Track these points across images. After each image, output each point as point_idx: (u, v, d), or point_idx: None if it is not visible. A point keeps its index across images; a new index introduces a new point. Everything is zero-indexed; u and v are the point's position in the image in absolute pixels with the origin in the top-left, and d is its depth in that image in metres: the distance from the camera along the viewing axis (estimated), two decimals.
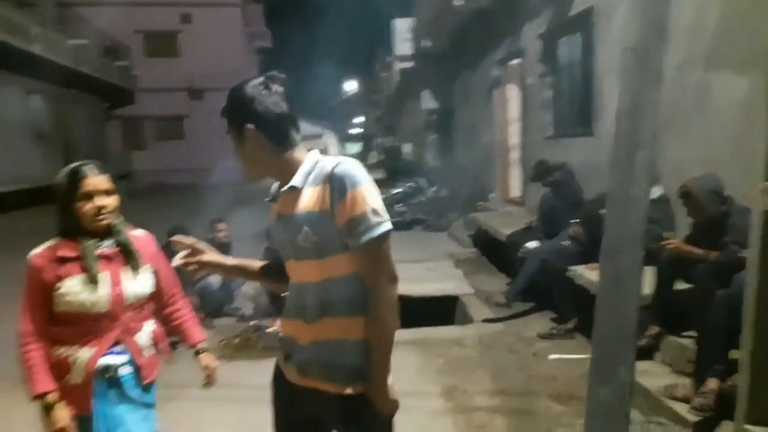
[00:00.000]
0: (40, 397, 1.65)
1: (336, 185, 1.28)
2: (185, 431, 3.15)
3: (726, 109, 3.45)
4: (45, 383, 1.66)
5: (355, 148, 47.93)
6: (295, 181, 1.33)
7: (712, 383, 2.64)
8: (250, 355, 4.23)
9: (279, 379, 1.51)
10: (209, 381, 2.03)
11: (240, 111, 1.36)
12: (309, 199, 1.32)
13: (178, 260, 1.46)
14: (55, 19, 13.83)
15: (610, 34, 4.92)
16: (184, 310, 2.07)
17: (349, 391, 1.35)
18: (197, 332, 2.07)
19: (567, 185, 5.13)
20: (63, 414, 1.65)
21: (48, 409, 1.65)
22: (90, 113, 17.42)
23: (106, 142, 19.23)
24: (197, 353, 2.03)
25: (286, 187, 1.34)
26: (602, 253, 1.60)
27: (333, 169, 1.30)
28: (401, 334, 4.54)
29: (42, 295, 1.70)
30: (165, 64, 21.69)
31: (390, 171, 13.30)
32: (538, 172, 5.35)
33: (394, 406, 1.39)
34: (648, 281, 3.47)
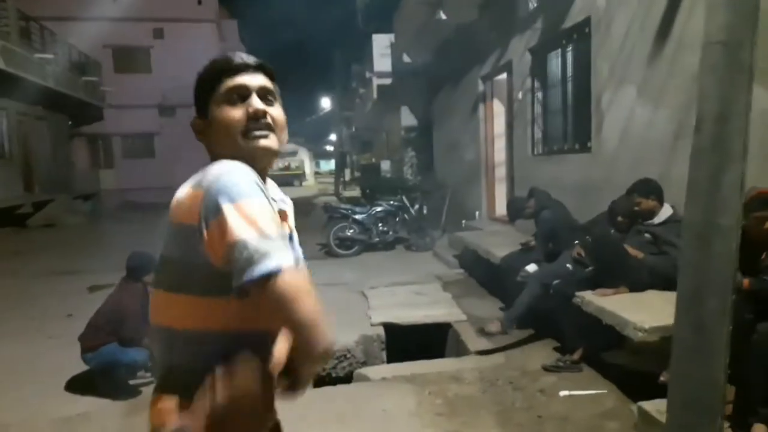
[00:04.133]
0: None
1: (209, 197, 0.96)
2: None
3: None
4: None
5: (329, 165, 47.64)
6: None
7: (759, 429, 2.32)
8: None
9: None
10: None
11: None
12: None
13: None
14: (20, 33, 13.19)
15: (609, 44, 4.70)
16: None
17: None
18: None
19: (548, 208, 4.87)
20: None
21: None
22: (54, 130, 16.68)
23: (71, 161, 18.44)
24: None
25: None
26: (680, 298, 1.28)
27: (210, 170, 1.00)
28: (392, 369, 4.17)
29: None
30: (135, 80, 21.06)
31: (368, 189, 12.97)
32: (511, 211, 5.19)
33: None
34: (668, 309, 3.19)
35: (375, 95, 15.94)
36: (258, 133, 1.05)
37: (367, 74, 17.06)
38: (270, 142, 1.07)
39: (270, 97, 1.11)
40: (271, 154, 1.08)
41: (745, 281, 2.72)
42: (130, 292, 3.80)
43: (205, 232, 0.93)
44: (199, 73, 1.13)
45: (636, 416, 3.02)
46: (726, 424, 2.60)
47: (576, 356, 3.92)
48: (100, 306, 3.92)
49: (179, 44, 21.22)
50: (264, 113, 1.07)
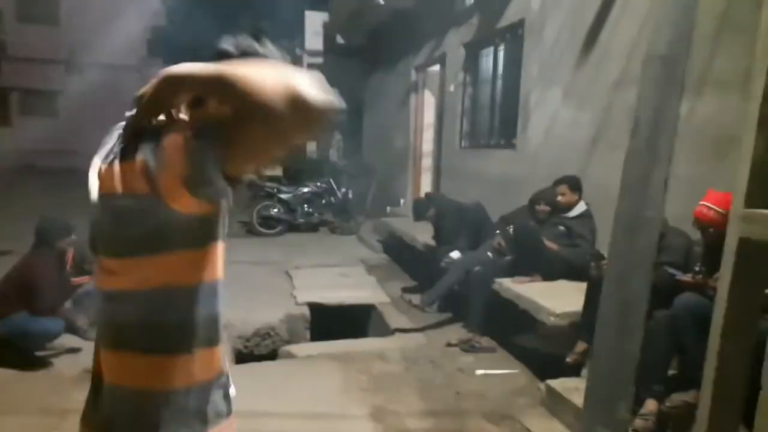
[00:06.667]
0: None
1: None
2: None
3: None
4: None
5: None
6: None
7: (651, 405, 2.62)
8: None
9: None
10: None
11: None
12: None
13: None
14: None
15: (540, 47, 4.98)
16: None
17: None
18: None
19: (448, 213, 5.32)
20: None
21: None
22: None
23: None
24: None
25: None
26: (607, 279, 1.44)
27: None
28: (319, 348, 4.24)
29: None
30: (40, 32, 19.24)
31: (291, 170, 12.78)
32: (416, 212, 5.65)
33: None
34: (577, 297, 3.49)
35: None
36: None
37: (297, 51, 16.72)
38: None
39: None
40: None
41: None
42: (44, 260, 3.56)
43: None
44: None
45: (543, 393, 3.31)
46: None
47: (469, 337, 4.20)
48: (8, 272, 3.65)
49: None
50: None
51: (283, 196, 9.00)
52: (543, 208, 4.34)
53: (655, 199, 1.38)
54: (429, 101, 8.52)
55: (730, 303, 1.92)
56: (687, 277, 2.82)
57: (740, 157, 1.90)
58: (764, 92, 1.83)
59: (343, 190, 9.71)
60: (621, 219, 1.46)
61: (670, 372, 2.83)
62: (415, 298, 4.80)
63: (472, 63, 6.67)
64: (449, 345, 4.22)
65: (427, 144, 8.51)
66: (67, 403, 3.15)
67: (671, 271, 2.89)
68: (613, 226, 1.51)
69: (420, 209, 5.57)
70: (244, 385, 3.31)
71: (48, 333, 3.61)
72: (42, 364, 3.63)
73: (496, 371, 3.81)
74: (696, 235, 2.98)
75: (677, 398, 2.62)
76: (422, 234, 5.90)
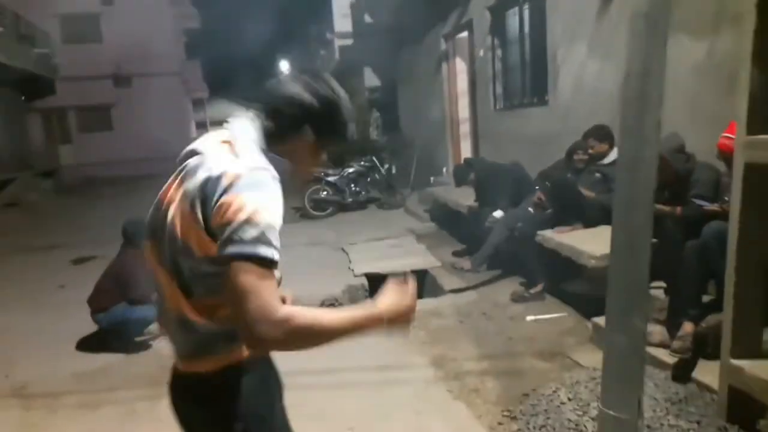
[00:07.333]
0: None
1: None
2: None
3: (681, 73, 3.65)
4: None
5: None
6: None
7: (688, 327, 2.84)
8: None
9: None
10: None
11: None
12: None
13: None
14: None
15: (562, 3, 5.07)
16: None
17: None
18: None
19: (487, 175, 5.56)
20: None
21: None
22: (7, 106, 16.14)
23: (27, 137, 17.92)
24: None
25: None
26: (615, 212, 1.70)
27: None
28: None
29: None
30: (86, 50, 20.33)
31: (334, 153, 13.14)
32: (457, 178, 5.92)
33: None
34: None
35: (336, 56, 15.96)
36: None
37: (328, 35, 16.98)
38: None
39: None
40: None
41: (678, 209, 3.23)
42: (133, 256, 4.06)
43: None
44: (334, 106, 1.23)
45: (591, 330, 3.56)
46: (661, 327, 3.13)
47: (539, 288, 4.43)
48: (105, 271, 4.19)
49: (129, 10, 20.51)
50: None
51: (330, 178, 9.40)
52: (581, 156, 4.52)
53: (650, 140, 1.61)
54: (461, 68, 8.65)
55: (741, 223, 2.13)
56: (714, 207, 3.00)
57: (739, 88, 2.08)
58: (756, 27, 2.00)
59: (387, 165, 10.02)
60: (622, 159, 1.70)
61: (707, 298, 3.04)
62: (466, 264, 5.04)
63: (498, 26, 6.76)
64: (513, 299, 4.45)
65: (463, 111, 8.66)
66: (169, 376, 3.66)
67: (698, 202, 3.07)
68: (617, 166, 1.75)
69: (460, 175, 5.82)
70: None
71: (145, 320, 4.13)
72: (143, 347, 4.17)
73: (546, 316, 4.07)
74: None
75: (712, 319, 2.83)
76: (465, 198, 6.16)
